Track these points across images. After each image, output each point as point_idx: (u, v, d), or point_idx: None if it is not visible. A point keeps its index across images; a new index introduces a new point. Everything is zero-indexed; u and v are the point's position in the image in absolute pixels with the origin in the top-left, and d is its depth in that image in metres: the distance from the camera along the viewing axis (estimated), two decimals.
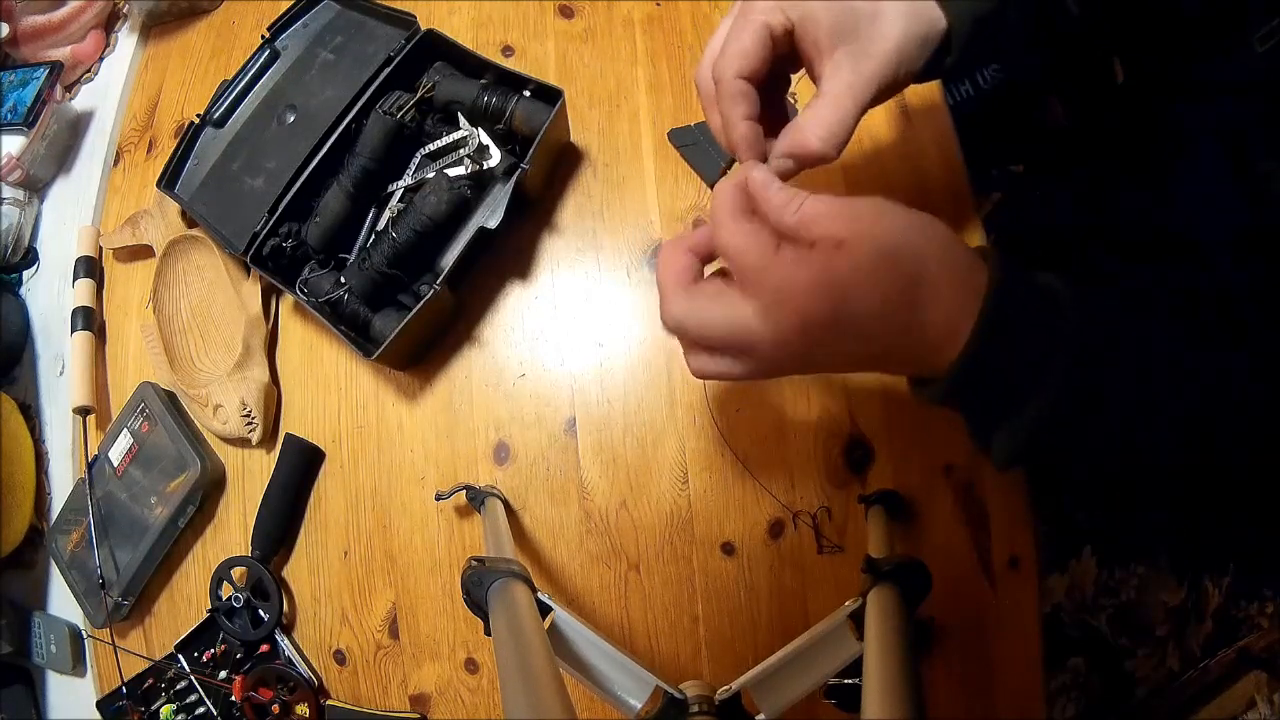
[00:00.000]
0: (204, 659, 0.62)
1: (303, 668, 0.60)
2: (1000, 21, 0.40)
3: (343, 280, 0.59)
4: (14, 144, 0.75)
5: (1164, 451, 0.37)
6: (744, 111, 0.37)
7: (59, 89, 0.79)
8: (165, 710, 0.62)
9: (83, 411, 0.67)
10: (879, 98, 0.38)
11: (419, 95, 0.61)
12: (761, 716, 0.36)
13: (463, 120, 0.61)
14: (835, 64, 0.36)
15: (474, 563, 0.39)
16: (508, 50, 0.69)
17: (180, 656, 0.62)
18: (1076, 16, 0.42)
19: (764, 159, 0.38)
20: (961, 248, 0.34)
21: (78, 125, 0.80)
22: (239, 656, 0.61)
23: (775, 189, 0.35)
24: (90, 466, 0.65)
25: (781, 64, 0.39)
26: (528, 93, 0.59)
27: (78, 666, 0.68)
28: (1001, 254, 0.34)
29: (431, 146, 0.61)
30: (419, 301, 0.55)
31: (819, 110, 0.36)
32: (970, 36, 0.39)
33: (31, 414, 0.73)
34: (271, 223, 0.60)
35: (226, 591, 0.61)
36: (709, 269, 0.38)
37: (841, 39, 0.36)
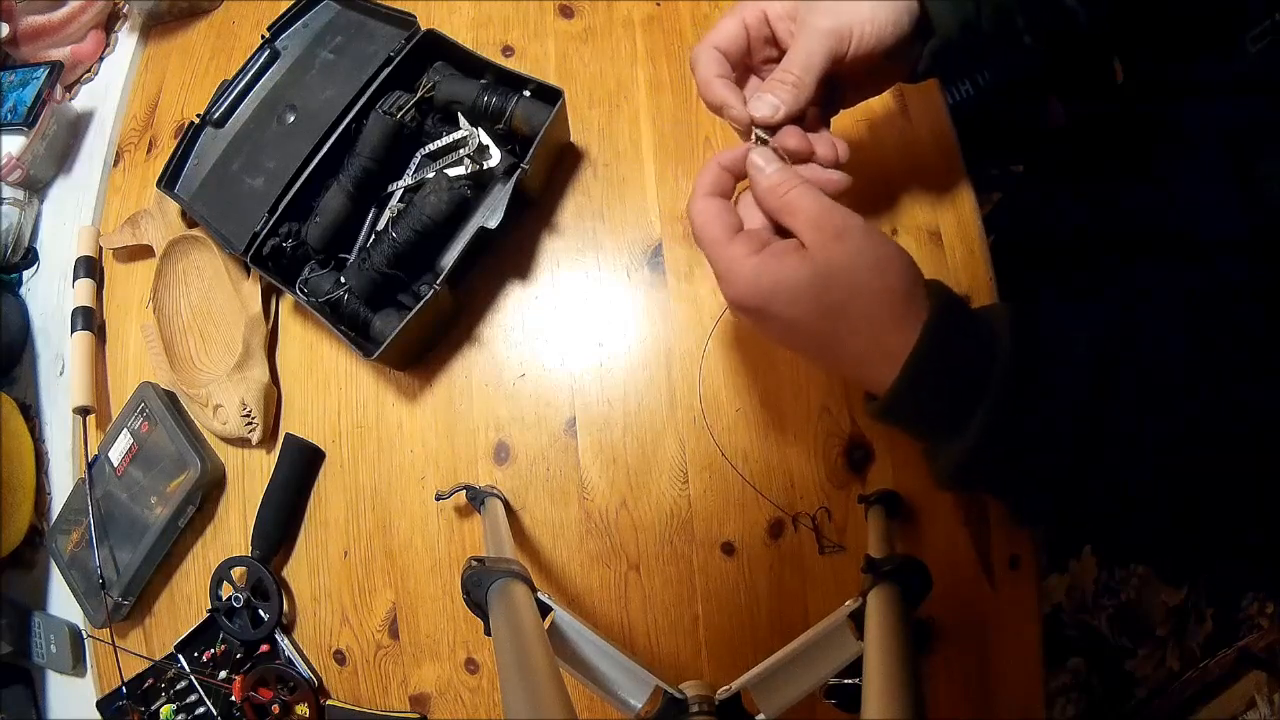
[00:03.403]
0: (204, 659, 0.62)
1: (303, 668, 0.60)
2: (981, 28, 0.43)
3: (343, 280, 0.59)
4: (14, 144, 0.75)
5: (1151, 469, 0.37)
6: (715, 70, 0.42)
7: (59, 89, 0.79)
8: (165, 710, 0.62)
9: (83, 411, 0.67)
10: (850, 63, 0.41)
11: (419, 95, 0.61)
12: (761, 716, 0.36)
13: (463, 120, 0.61)
14: (797, 35, 0.41)
15: (474, 563, 0.39)
16: (508, 50, 0.69)
17: (180, 656, 0.62)
18: (1085, 25, 0.43)
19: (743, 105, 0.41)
20: (907, 286, 0.37)
21: (78, 125, 0.80)
22: (239, 656, 0.61)
23: (772, 170, 0.39)
24: (90, 466, 0.65)
25: (764, 48, 0.44)
26: (528, 93, 0.59)
27: (78, 666, 0.68)
28: (948, 296, 0.37)
29: (431, 146, 0.61)
30: (419, 301, 0.55)
31: (780, 65, 0.41)
32: (958, 43, 0.42)
33: (31, 414, 0.73)
34: (271, 223, 0.60)
35: (226, 591, 0.61)
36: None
37: (801, 14, 0.41)
